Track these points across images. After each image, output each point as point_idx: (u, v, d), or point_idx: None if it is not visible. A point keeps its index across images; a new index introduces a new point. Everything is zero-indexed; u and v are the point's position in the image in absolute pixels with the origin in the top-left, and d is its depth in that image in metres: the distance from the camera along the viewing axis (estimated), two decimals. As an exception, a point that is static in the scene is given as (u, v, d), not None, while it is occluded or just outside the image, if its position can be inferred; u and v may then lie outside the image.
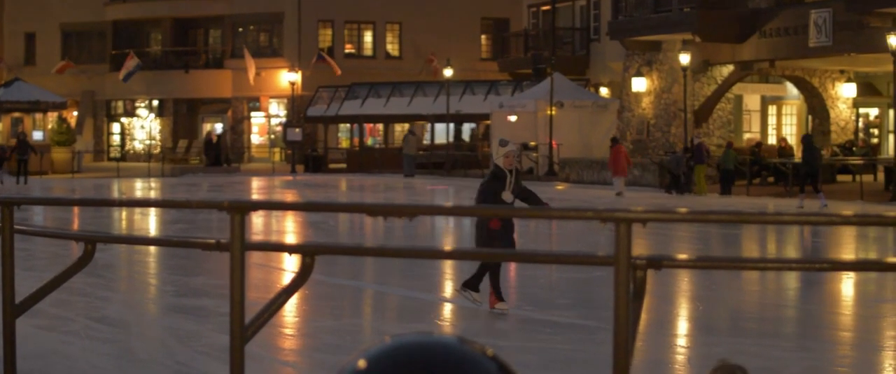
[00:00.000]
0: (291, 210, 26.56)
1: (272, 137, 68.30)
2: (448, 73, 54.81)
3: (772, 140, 46.81)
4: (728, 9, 41.60)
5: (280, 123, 66.29)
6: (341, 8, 67.58)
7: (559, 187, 43.00)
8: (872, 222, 5.62)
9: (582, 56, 55.35)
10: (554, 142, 47.01)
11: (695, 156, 39.10)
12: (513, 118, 50.36)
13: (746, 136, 47.31)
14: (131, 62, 63.62)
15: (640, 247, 19.51)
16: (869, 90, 46.26)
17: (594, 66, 54.73)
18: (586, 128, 47.82)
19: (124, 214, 28.63)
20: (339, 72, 61.80)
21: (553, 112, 46.66)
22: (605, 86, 54.78)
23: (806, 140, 34.98)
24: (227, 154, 59.81)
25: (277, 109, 68.75)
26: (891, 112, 40.29)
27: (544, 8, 56.39)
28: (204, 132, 69.12)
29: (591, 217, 5.34)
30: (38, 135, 57.06)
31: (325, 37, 68.05)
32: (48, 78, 67.04)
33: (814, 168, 33.08)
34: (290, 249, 7.09)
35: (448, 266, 17.80)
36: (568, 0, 54.76)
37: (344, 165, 58.65)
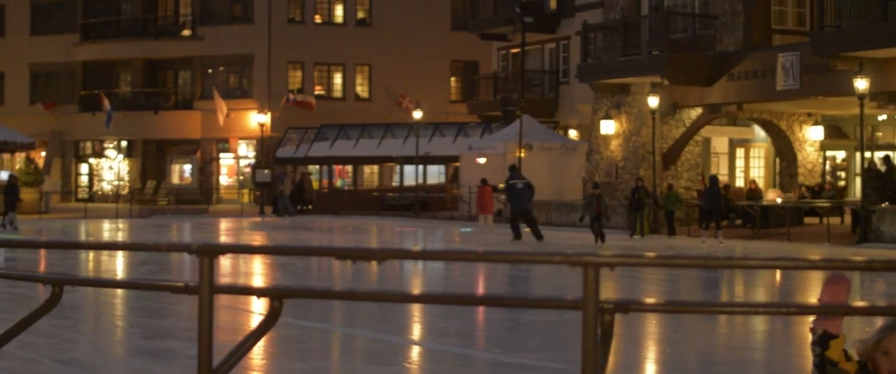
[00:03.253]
0: (260, 254, 26.47)
1: (241, 178, 68.22)
2: (417, 115, 54.91)
3: (740, 183, 47.01)
4: (696, 52, 41.82)
5: (249, 165, 66.25)
6: (311, 50, 67.71)
7: (527, 230, 43.02)
8: (839, 266, 5.65)
9: (551, 98, 55.55)
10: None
11: (631, 200, 40.12)
12: (482, 160, 50.48)
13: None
14: (106, 105, 63.57)
15: (610, 289, 19.55)
16: (836, 133, 46.52)
17: (563, 108, 54.92)
18: (555, 170, 47.94)
19: (92, 255, 28.51)
20: (313, 106, 61.88)
21: (522, 154, 46.76)
22: (573, 128, 54.97)
23: (712, 180, 37.75)
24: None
25: (246, 150, 68.71)
26: (857, 155, 40.47)
27: (513, 51, 56.61)
28: (173, 173, 69.04)
29: (559, 262, 5.35)
30: (4, 175, 56.78)
31: (295, 78, 68.14)
32: (16, 118, 66.88)
33: (715, 207, 36.30)
34: (259, 292, 7.07)
35: (417, 309, 17.79)
36: (537, 43, 54.99)
37: (310, 207, 58.60)
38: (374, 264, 22.52)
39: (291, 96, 63.26)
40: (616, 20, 44.58)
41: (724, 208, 37.90)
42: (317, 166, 63.03)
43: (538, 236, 36.11)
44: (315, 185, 63.48)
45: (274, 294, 6.50)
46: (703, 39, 42.30)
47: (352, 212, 55.11)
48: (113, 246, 21.67)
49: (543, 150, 48.91)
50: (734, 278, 24.32)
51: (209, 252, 6.20)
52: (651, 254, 5.42)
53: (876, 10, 33.94)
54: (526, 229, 36.85)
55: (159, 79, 71.51)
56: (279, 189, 56.21)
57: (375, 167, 64.43)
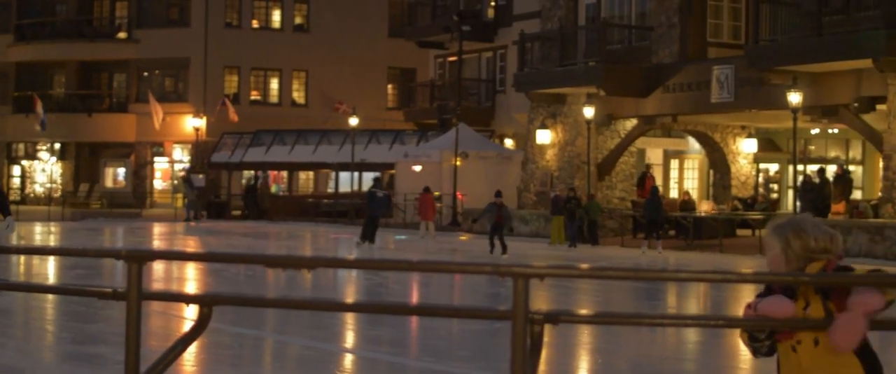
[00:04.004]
0: (190, 260, 26.34)
1: (175, 182, 67.86)
2: (354, 121, 54.85)
3: (674, 194, 47.26)
4: (632, 64, 42.06)
5: (184, 169, 65.91)
6: (248, 55, 67.49)
7: (462, 238, 43.12)
8: (767, 280, 5.68)
9: (487, 107, 55.66)
10: (458, 192, 47.16)
11: (552, 208, 40.22)
12: (417, 168, 50.49)
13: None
14: (39, 108, 63.05)
15: (543, 299, 19.58)
16: (769, 146, 46.89)
17: (499, 117, 55.05)
18: (491, 179, 47.99)
19: (22, 259, 28.24)
20: (235, 119, 61.63)
21: (458, 163, 46.81)
22: (509, 137, 55.12)
23: (653, 190, 38.23)
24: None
25: (181, 155, 68.36)
26: (790, 168, 40.81)
27: (451, 59, 56.70)
28: (106, 177, 68.61)
29: (489, 272, 5.36)
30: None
31: (232, 83, 67.91)
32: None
33: (655, 217, 36.58)
34: (188, 299, 7.03)
35: (350, 317, 17.74)
36: (474, 52, 55.08)
37: (247, 212, 58.33)
38: (306, 270, 22.47)
39: (225, 101, 63.02)
40: (553, 30, 44.76)
41: (663, 217, 38.13)
42: (251, 172, 62.77)
43: (365, 239, 37.63)
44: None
45: (203, 301, 6.46)
46: (639, 51, 42.54)
47: (287, 218, 54.93)
48: (41, 251, 21.49)
49: (479, 158, 48.99)
50: (667, 289, 24.43)
51: (138, 258, 6.15)
52: (584, 265, 5.43)
53: (810, 25, 34.26)
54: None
55: (94, 81, 71.02)
56: (194, 193, 56.04)
57: (311, 173, 64.30)
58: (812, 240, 5.61)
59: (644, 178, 44.33)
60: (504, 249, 33.65)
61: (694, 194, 45.97)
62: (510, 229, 36.01)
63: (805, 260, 5.60)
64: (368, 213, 38.11)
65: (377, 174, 45.02)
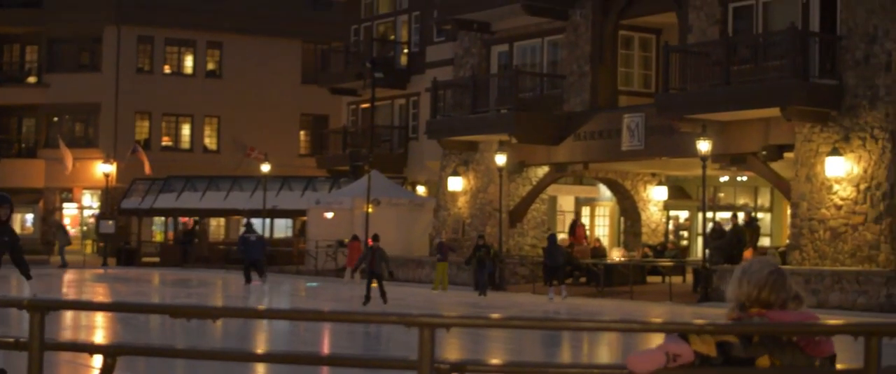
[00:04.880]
0: (93, 310, 25.95)
1: (85, 228, 67.13)
2: (265, 168, 54.63)
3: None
4: (544, 111, 42.30)
5: (93, 215, 65.25)
6: (159, 100, 67.08)
7: (374, 285, 42.93)
8: (677, 329, 5.73)
9: (400, 154, 55.67)
10: (370, 240, 47.02)
11: (440, 253, 40.65)
12: (329, 215, 50.36)
13: (560, 236, 47.88)
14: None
15: (453, 348, 19.55)
16: (679, 193, 47.29)
17: (412, 164, 55.08)
18: (403, 226, 48.00)
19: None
20: (149, 171, 61.19)
21: (370, 210, 46.72)
22: (422, 184, 55.14)
23: (550, 239, 38.20)
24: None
25: (91, 201, 67.67)
26: (700, 215, 41.22)
27: (363, 106, 56.73)
28: (14, 223, 67.68)
29: (394, 322, 5.35)
30: None
31: (143, 128, 67.43)
32: None
33: (555, 264, 36.85)
34: (92, 349, 6.95)
35: (260, 368, 17.59)
36: (387, 99, 55.14)
37: (157, 259, 57.80)
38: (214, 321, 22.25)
39: (137, 147, 62.55)
40: (466, 78, 44.94)
41: (564, 264, 38.29)
42: (161, 218, 62.31)
43: (248, 280, 40.77)
44: (159, 237, 62.72)
45: (107, 351, 6.39)
46: (550, 99, 42.80)
47: (197, 265, 54.50)
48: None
49: (391, 205, 48.94)
50: (577, 335, 24.48)
51: (40, 308, 6.08)
52: (495, 315, 5.44)
53: (719, 74, 34.66)
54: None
55: (3, 126, 70.19)
56: (66, 237, 55.97)
57: (222, 220, 63.93)
58: (744, 288, 5.79)
59: (575, 226, 44.51)
60: (383, 297, 32.86)
61: (605, 241, 46.24)
62: (390, 273, 35.39)
63: (744, 305, 5.83)
64: (243, 257, 39.26)
65: (249, 220, 45.91)
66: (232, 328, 23.87)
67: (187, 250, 56.35)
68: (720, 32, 36.84)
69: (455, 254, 42.50)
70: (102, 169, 61.38)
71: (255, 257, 41.86)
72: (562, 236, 42.89)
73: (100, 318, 25.93)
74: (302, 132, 71.46)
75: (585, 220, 48.76)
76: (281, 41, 69.39)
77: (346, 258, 45.06)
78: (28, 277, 16.29)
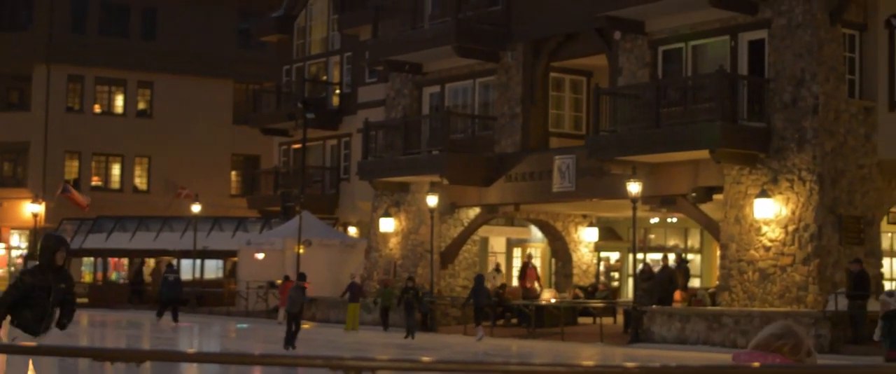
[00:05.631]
0: (11, 353, 25.60)
1: (13, 269, 66.44)
2: (196, 208, 54.33)
3: (516, 282, 47.49)
4: (475, 153, 42.37)
5: (21, 256, 64.58)
6: (89, 140, 66.66)
7: (305, 326, 42.78)
8: (607, 373, 5.73)
9: (331, 195, 55.59)
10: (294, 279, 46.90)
11: (351, 295, 41.17)
12: (260, 256, 50.15)
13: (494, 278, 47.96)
14: None
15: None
16: (610, 235, 47.48)
17: (343, 205, 55.01)
18: (334, 267, 47.87)
19: None
20: (86, 208, 60.74)
21: (301, 251, 46.59)
22: (353, 225, 55.05)
23: (477, 279, 38.56)
24: None
25: (19, 241, 67.00)
26: (630, 256, 41.37)
27: (295, 146, 56.63)
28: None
29: (320, 365, 5.31)
30: None
31: (72, 168, 66.95)
32: None
33: (479, 304, 37.34)
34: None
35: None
36: (319, 139, 55.08)
37: (86, 300, 57.27)
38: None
39: (68, 187, 62.06)
40: (397, 119, 44.97)
41: (489, 304, 38.47)
42: (91, 259, 61.77)
43: (161, 316, 43.88)
44: (88, 277, 62.15)
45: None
46: (482, 140, 42.89)
47: (127, 306, 54.06)
48: None
49: (323, 246, 48.81)
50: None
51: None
52: (426, 358, 5.42)
53: (649, 116, 34.88)
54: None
55: (-72, 165, 69.48)
56: None
57: (152, 261, 63.49)
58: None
59: (526, 267, 44.34)
60: (290, 339, 32.14)
61: (536, 284, 46.28)
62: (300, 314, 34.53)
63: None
64: (161, 296, 40.19)
65: (172, 261, 48.30)
66: (161, 370, 23.67)
67: (139, 290, 56.24)
68: (650, 75, 37.13)
69: (364, 297, 42.76)
70: (31, 209, 60.84)
71: (169, 296, 44.53)
72: (495, 282, 43.02)
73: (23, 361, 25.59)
74: (233, 173, 71.21)
75: (517, 261, 48.78)
76: (212, 81, 69.24)
77: (278, 299, 44.95)
78: (63, 327, 14.64)
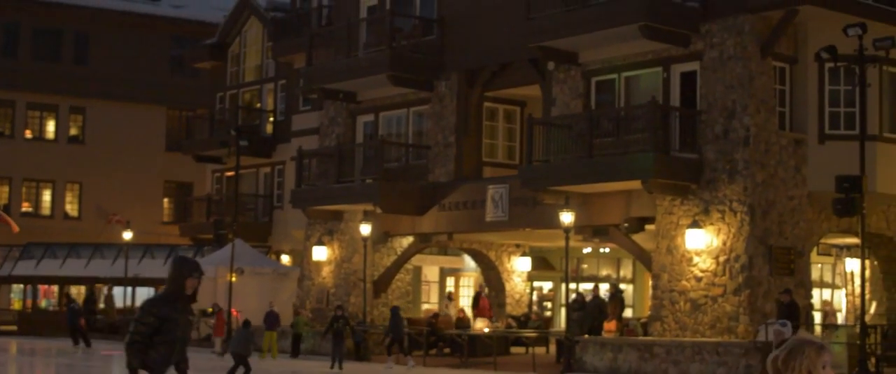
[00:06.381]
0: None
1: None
2: (128, 235, 53.93)
3: (470, 312, 47.41)
4: (409, 182, 42.32)
5: None
6: (20, 165, 66.10)
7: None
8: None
9: (265, 223, 55.37)
10: (234, 309, 46.63)
11: (267, 323, 42.20)
12: (192, 284, 49.77)
13: (424, 306, 47.92)
14: None
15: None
16: (543, 264, 47.58)
17: (277, 233, 54.81)
18: (266, 295, 47.58)
19: None
20: (16, 230, 60.09)
21: (233, 278, 46.34)
22: (286, 253, 54.85)
23: (393, 310, 38.63)
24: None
25: (-54, 268, 66.17)
26: (563, 286, 41.43)
27: (228, 174, 56.38)
28: None
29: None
30: None
31: (2, 193, 66.37)
32: None
33: (398, 335, 37.78)
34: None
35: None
36: (252, 167, 54.87)
37: (15, 328, 56.66)
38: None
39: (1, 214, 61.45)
40: (331, 147, 44.88)
41: (407, 334, 38.91)
42: (20, 286, 61.11)
43: (75, 343, 46.54)
44: (18, 305, 61.48)
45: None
46: (416, 169, 42.88)
47: (57, 334, 53.51)
48: None
49: (255, 274, 48.58)
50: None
51: None
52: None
53: (581, 147, 34.99)
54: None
55: None
56: None
57: (83, 288, 62.88)
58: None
59: (479, 297, 44.15)
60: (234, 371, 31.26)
61: (469, 312, 46.23)
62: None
63: None
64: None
65: (68, 292, 50.00)
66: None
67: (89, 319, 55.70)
68: (583, 106, 37.26)
69: (279, 325, 43.08)
70: (-41, 235, 60.12)
71: (71, 323, 47.29)
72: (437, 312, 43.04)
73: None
74: (165, 200, 70.77)
75: (450, 290, 48.74)
76: (145, 107, 68.87)
77: (210, 328, 45.10)
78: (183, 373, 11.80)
